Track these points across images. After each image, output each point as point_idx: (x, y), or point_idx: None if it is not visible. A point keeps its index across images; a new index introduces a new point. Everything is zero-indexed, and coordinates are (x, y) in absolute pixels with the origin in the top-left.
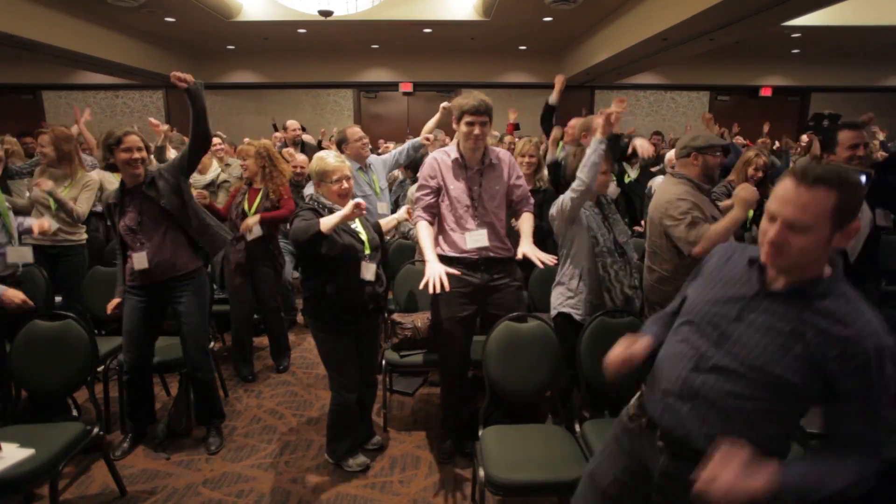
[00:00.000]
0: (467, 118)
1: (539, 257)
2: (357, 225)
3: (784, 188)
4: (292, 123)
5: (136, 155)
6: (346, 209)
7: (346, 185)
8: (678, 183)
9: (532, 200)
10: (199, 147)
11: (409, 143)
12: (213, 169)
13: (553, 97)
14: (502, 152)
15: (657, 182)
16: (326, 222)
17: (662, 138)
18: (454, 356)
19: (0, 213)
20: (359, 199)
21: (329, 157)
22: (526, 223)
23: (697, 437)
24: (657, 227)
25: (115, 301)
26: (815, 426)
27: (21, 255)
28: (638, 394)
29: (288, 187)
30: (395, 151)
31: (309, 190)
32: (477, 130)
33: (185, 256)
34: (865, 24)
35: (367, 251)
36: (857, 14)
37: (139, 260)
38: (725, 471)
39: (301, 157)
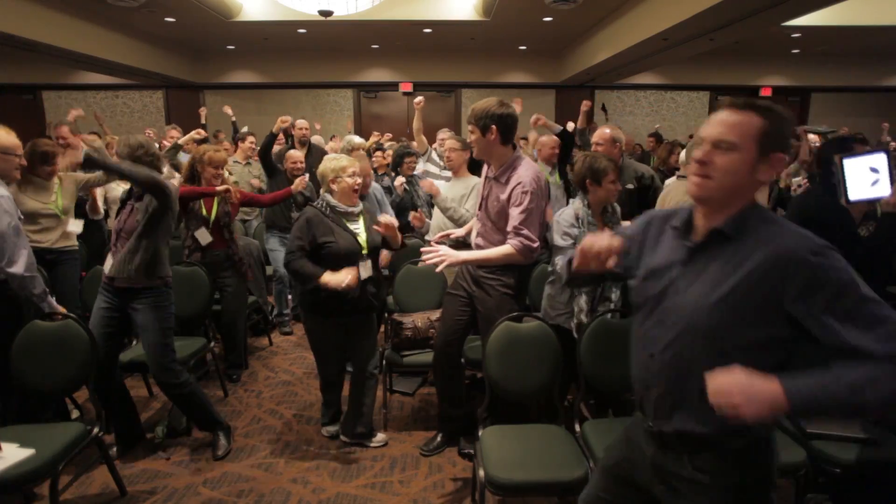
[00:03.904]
0: None
1: (432, 258)
2: (359, 226)
3: (716, 114)
4: (301, 122)
5: None
6: (341, 279)
7: (360, 180)
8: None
9: (524, 235)
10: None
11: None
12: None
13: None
14: (519, 177)
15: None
16: (326, 280)
17: (659, 139)
18: (443, 332)
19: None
20: (350, 277)
21: (342, 157)
22: (494, 250)
23: (658, 411)
24: None
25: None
26: (815, 426)
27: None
28: None
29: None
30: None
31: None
32: (469, 135)
33: (143, 272)
34: (865, 24)
35: (365, 251)
36: (857, 14)
37: (108, 264)
38: (732, 375)
39: (297, 154)
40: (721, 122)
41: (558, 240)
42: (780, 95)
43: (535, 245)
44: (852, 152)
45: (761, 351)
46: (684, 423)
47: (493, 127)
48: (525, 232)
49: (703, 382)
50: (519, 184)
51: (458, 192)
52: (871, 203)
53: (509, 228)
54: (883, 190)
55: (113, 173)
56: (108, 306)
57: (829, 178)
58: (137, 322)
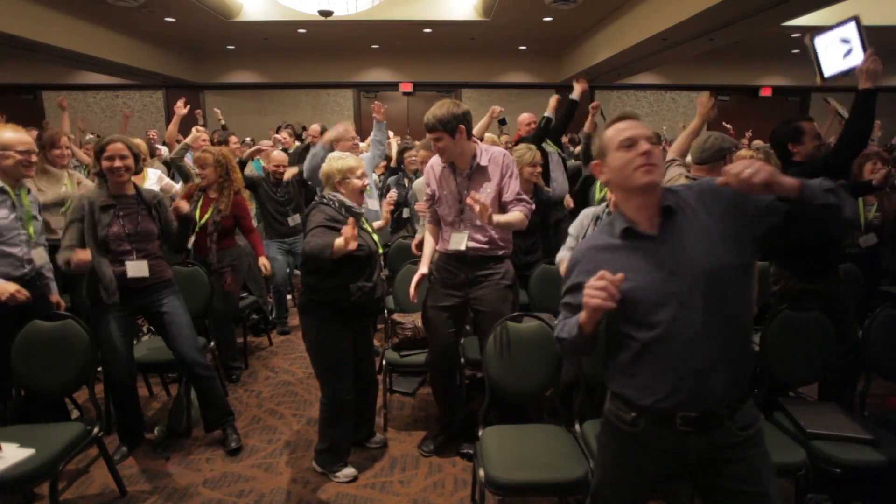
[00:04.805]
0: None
1: (479, 202)
2: (367, 226)
3: (621, 125)
4: (314, 128)
5: (118, 163)
6: (347, 242)
7: (366, 181)
8: None
9: (525, 200)
10: (170, 245)
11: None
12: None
13: (575, 94)
14: (496, 152)
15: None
16: (338, 249)
17: (659, 139)
18: (436, 347)
19: (25, 217)
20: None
21: (349, 157)
22: (512, 215)
23: (717, 396)
24: None
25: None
26: (815, 426)
27: (40, 256)
28: (608, 404)
29: (242, 197)
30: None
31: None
32: (435, 145)
33: (164, 264)
34: (865, 24)
35: (380, 250)
36: (857, 14)
37: (137, 268)
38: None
39: (281, 156)
40: (638, 125)
41: (571, 230)
42: (780, 95)
43: (533, 207)
44: (822, 29)
45: (746, 278)
46: (734, 386)
47: (461, 126)
48: (524, 197)
49: (739, 335)
50: (504, 154)
51: None
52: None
53: (510, 198)
54: (856, 58)
55: (183, 229)
56: (124, 312)
57: (788, 159)
58: (167, 312)
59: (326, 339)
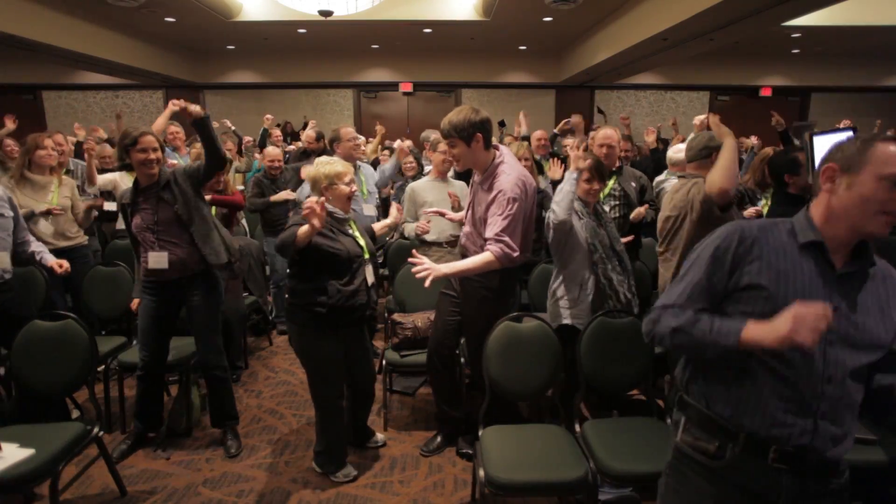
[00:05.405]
0: None
1: (421, 272)
2: (354, 232)
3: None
4: (310, 134)
5: (152, 155)
6: (307, 226)
7: (354, 187)
8: (696, 183)
9: (505, 243)
10: (213, 169)
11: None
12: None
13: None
14: (497, 184)
15: (666, 184)
16: (302, 234)
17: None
18: (437, 329)
19: None
20: (312, 205)
21: (336, 162)
22: (474, 260)
23: (823, 440)
24: (677, 224)
25: (136, 301)
26: None
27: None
28: (681, 436)
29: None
30: (381, 169)
31: (305, 192)
32: (450, 151)
33: (197, 256)
34: (865, 24)
35: (366, 255)
36: (857, 14)
37: (157, 259)
38: None
39: (275, 152)
40: None
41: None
42: (780, 95)
43: (516, 254)
44: (823, 130)
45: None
46: (846, 441)
47: (478, 134)
48: (506, 239)
49: (861, 391)
50: (500, 192)
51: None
52: None
53: (490, 234)
54: None
55: (208, 140)
56: (158, 304)
57: (783, 189)
58: (193, 307)
59: (308, 343)
